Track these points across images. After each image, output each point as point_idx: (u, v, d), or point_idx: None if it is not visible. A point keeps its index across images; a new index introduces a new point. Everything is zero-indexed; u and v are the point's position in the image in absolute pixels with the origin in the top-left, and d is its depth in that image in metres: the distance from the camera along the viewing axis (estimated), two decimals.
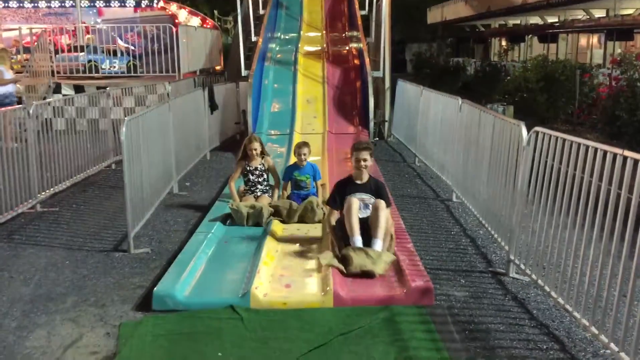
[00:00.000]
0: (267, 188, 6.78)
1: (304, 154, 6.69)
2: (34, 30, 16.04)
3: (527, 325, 4.08)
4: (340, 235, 5.20)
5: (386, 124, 12.40)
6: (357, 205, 5.16)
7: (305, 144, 6.85)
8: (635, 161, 3.45)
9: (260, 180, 6.72)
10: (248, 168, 6.68)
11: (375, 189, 5.39)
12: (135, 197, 5.83)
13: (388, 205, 5.23)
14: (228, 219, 6.20)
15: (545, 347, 3.78)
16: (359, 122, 11.34)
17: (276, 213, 6.22)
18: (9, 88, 10.54)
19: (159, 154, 7.02)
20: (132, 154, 5.81)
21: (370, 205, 5.25)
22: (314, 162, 7.03)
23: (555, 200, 4.36)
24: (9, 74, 10.66)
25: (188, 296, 4.44)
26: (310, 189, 6.72)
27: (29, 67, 13.42)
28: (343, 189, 5.37)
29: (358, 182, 5.39)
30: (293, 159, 7.12)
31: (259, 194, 6.68)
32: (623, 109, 9.79)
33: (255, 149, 6.65)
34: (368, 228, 5.09)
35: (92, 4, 20.97)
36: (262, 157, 6.75)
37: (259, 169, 6.70)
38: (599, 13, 20.64)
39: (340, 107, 11.60)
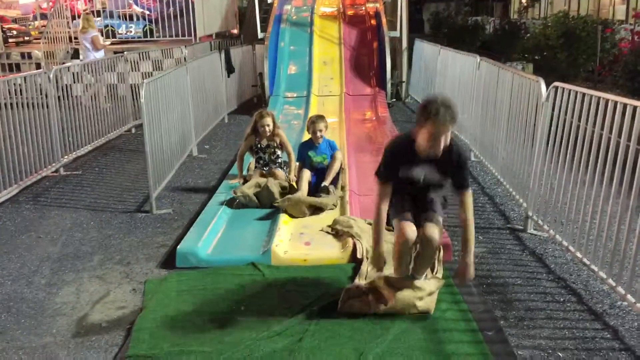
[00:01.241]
0: (281, 164, 6.06)
1: (320, 130, 5.68)
2: None
3: (544, 279, 4.13)
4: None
5: (403, 85, 12.30)
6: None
7: (320, 117, 5.79)
8: None
9: (273, 158, 6.03)
10: (259, 146, 5.98)
11: (454, 164, 3.46)
12: (156, 159, 5.92)
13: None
14: (234, 202, 5.52)
15: (562, 299, 3.83)
16: (376, 83, 11.27)
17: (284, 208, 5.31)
18: (102, 53, 10.84)
19: (178, 117, 7.07)
20: (152, 117, 5.88)
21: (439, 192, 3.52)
22: (331, 139, 6.02)
23: (574, 156, 4.36)
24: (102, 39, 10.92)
25: (210, 254, 4.56)
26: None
27: (47, 33, 13.46)
28: (401, 160, 3.52)
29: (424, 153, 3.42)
30: (307, 136, 6.06)
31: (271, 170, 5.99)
32: None
33: (268, 125, 5.87)
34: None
35: None
36: (275, 134, 5.99)
37: (270, 146, 5.98)
38: None
39: (357, 68, 11.53)
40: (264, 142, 5.97)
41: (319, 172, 5.71)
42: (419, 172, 3.52)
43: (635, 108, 3.61)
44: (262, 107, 10.61)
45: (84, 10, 11.21)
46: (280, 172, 5.92)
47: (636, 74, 9.93)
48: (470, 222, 3.52)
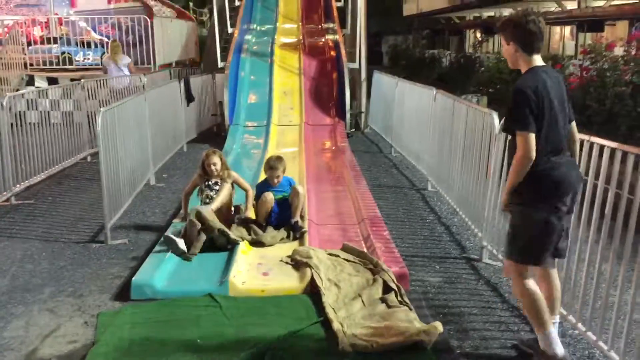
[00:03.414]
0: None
1: (277, 177, 5.61)
2: (5, 22, 15.75)
3: (499, 308, 4.20)
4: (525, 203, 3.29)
5: (362, 115, 12.47)
6: None
7: (278, 160, 5.68)
8: (601, 147, 3.57)
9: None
10: (207, 183, 5.67)
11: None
12: (112, 188, 5.83)
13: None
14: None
15: (516, 328, 3.90)
16: (336, 114, 11.40)
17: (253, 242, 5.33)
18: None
19: (136, 146, 6.99)
20: (108, 146, 5.80)
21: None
22: (289, 176, 5.93)
23: None
24: None
25: (166, 285, 4.48)
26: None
27: (1, 60, 13.20)
28: (547, 91, 3.23)
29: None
30: (265, 177, 5.88)
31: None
32: (592, 98, 9.98)
33: (214, 164, 5.62)
34: None
35: None
36: (223, 172, 5.72)
37: (219, 183, 5.67)
38: (570, 5, 20.92)
39: (317, 98, 11.65)
40: (213, 180, 5.68)
41: (282, 204, 5.60)
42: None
43: (582, 141, 3.75)
44: (222, 135, 10.66)
45: (111, 41, 11.79)
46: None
47: (584, 108, 10.29)
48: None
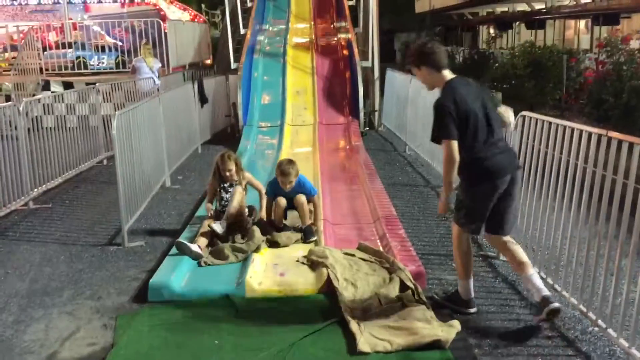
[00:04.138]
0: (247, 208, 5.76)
1: (290, 182, 5.45)
2: (20, 28, 15.93)
3: (517, 306, 4.17)
4: (466, 206, 3.92)
5: (376, 114, 12.44)
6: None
7: (290, 164, 5.50)
8: (619, 142, 3.53)
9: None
10: (223, 186, 5.67)
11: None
12: (128, 191, 5.87)
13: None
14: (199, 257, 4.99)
15: (535, 326, 3.86)
16: (349, 112, 11.38)
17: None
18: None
19: (151, 148, 7.03)
20: (124, 148, 5.84)
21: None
22: (302, 174, 5.69)
23: (543, 184, 4.44)
24: None
25: (184, 287, 4.49)
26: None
27: (17, 65, 13.36)
28: (464, 99, 3.78)
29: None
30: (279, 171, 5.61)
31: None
32: (609, 92, 9.89)
33: (230, 170, 5.59)
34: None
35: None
36: (239, 175, 5.70)
37: (233, 185, 5.67)
38: None
39: (330, 97, 11.64)
40: (228, 182, 5.66)
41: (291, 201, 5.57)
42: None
43: (600, 136, 3.71)
44: (236, 136, 10.69)
45: (144, 43, 11.81)
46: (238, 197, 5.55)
47: (601, 102, 10.20)
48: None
